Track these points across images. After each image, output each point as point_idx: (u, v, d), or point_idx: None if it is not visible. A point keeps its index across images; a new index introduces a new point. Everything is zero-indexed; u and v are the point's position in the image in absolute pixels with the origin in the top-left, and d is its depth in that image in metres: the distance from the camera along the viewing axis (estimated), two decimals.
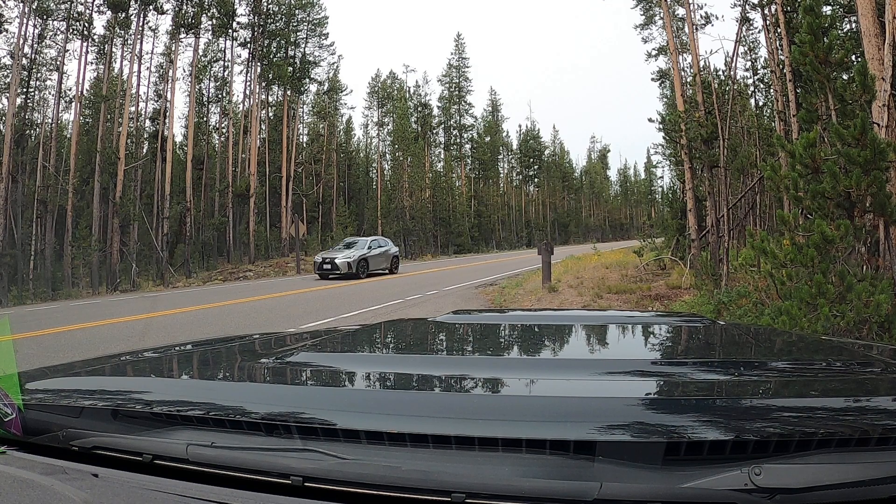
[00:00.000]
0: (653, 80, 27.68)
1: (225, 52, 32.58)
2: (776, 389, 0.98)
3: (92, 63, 27.41)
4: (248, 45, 32.66)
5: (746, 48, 21.23)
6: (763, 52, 20.34)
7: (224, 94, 32.90)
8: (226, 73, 32.73)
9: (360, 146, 49.42)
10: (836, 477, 0.70)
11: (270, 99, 35.66)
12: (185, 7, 28.30)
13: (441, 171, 46.99)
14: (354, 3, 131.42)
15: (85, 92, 26.08)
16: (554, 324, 1.94)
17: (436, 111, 49.98)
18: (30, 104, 26.18)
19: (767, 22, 15.38)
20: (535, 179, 62.78)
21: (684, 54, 19.01)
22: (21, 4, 23.61)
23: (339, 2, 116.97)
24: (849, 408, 0.83)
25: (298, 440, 0.82)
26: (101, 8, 25.71)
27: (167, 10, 27.90)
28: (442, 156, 49.92)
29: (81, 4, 25.28)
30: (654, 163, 68.61)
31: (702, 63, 16.09)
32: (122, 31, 26.36)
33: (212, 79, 32.97)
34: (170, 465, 0.84)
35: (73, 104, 25.87)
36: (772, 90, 16.96)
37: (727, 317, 6.96)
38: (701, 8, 20.02)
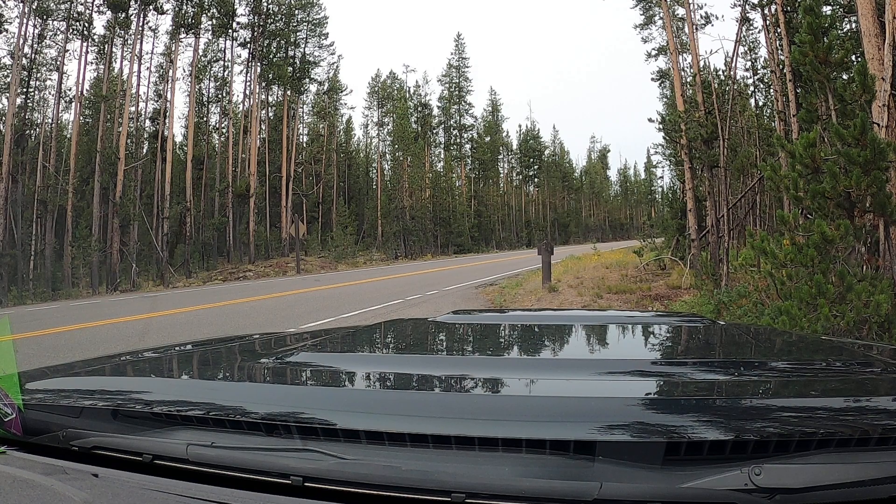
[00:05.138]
0: (653, 80, 27.68)
1: (225, 52, 32.61)
2: (776, 389, 0.98)
3: (92, 63, 27.44)
4: (248, 45, 32.67)
5: (746, 48, 21.23)
6: (763, 52, 20.33)
7: (224, 94, 32.91)
8: (226, 73, 32.76)
9: (360, 146, 49.44)
10: (836, 477, 0.70)
11: (270, 99, 35.68)
12: (185, 7, 28.30)
13: (441, 171, 46.95)
14: (354, 3, 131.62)
15: (85, 92, 26.09)
16: (554, 324, 1.94)
17: (436, 111, 49.99)
18: (30, 104, 26.18)
19: (767, 22, 15.36)
20: (535, 179, 62.76)
21: (684, 54, 19.02)
22: (21, 4, 23.62)
23: (339, 2, 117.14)
24: (849, 408, 0.83)
25: (298, 440, 0.82)
26: (101, 8, 25.72)
27: (167, 10, 27.92)
28: (442, 156, 49.91)
29: (81, 4, 25.28)
30: (654, 163, 68.62)
31: (702, 63, 16.09)
32: (122, 31, 26.35)
33: (212, 79, 32.98)
34: (170, 465, 0.84)
35: (73, 104, 25.88)
36: (772, 90, 16.94)
37: (727, 317, 6.96)
38: (701, 8, 20.03)
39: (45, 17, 24.77)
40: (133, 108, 28.41)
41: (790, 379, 1.07)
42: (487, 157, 53.96)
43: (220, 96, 33.09)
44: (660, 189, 68.23)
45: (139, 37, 27.09)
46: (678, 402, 0.89)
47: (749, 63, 21.18)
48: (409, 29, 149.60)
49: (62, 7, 25.06)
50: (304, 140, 40.77)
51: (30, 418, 0.96)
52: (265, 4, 33.02)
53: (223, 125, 33.59)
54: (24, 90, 25.10)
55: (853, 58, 6.90)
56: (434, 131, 49.63)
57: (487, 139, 54.99)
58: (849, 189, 4.85)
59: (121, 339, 7.97)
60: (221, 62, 32.73)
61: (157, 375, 1.31)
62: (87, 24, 25.35)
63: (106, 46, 26.42)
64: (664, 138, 16.55)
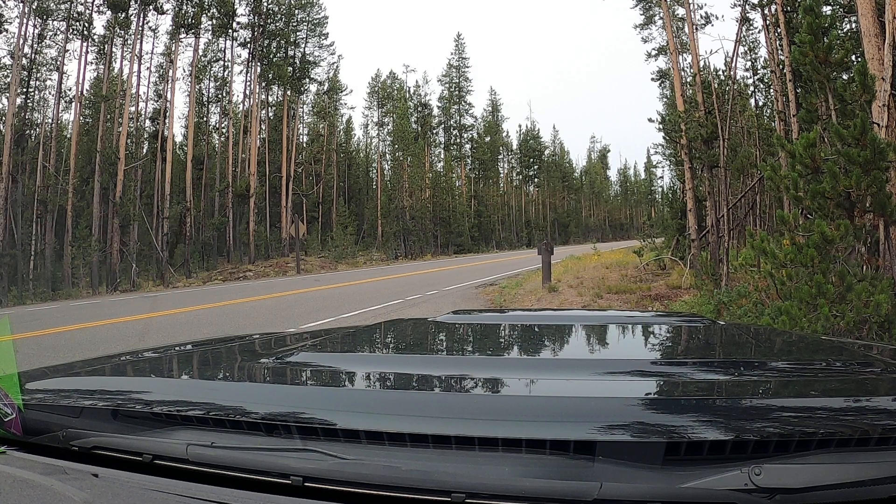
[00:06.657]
0: (653, 80, 27.68)
1: (225, 52, 32.60)
2: (776, 389, 0.98)
3: (92, 63, 27.43)
4: (248, 45, 32.66)
5: (746, 48, 21.20)
6: (763, 52, 20.30)
7: (224, 94, 32.90)
8: (226, 73, 32.74)
9: (360, 146, 49.43)
10: (836, 477, 0.70)
11: (270, 99, 35.67)
12: (185, 7, 28.29)
13: (441, 171, 46.94)
14: (354, 3, 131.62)
15: (85, 92, 26.08)
16: (554, 324, 1.94)
17: (436, 111, 49.97)
18: (30, 104, 26.17)
19: (767, 22, 15.35)
20: (535, 179, 62.75)
21: (684, 54, 19.02)
22: (21, 4, 23.61)
23: (339, 2, 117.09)
24: (849, 408, 0.83)
25: (298, 440, 0.82)
26: (101, 8, 25.71)
27: (167, 10, 27.91)
28: (442, 156, 49.88)
29: (81, 4, 25.28)
30: (654, 163, 68.59)
31: (702, 63, 16.08)
32: (122, 31, 26.34)
33: (212, 79, 32.97)
34: (170, 465, 0.84)
35: (73, 104, 25.87)
36: (772, 90, 16.93)
37: (727, 317, 6.96)
38: (701, 8, 20.03)
39: (45, 17, 24.76)
40: (133, 108, 28.44)
41: (790, 379, 1.07)
42: (487, 157, 53.95)
43: (220, 96, 33.09)
44: (660, 189, 68.22)
45: (139, 37, 27.09)
46: (678, 402, 0.89)
47: (749, 63, 21.16)
48: (409, 29, 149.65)
49: (62, 7, 25.06)
50: (304, 140, 40.77)
51: (30, 418, 0.96)
52: (265, 4, 33.01)
53: (223, 125, 33.61)
54: (24, 90, 25.10)
55: (853, 58, 6.90)
56: (434, 131, 49.62)
57: (487, 139, 54.97)
58: (849, 189, 4.85)
59: (121, 339, 7.97)
60: (221, 62, 32.75)
61: (157, 375, 1.31)
62: (87, 24, 25.35)
63: (106, 46, 26.42)
64: (664, 138, 16.55)
